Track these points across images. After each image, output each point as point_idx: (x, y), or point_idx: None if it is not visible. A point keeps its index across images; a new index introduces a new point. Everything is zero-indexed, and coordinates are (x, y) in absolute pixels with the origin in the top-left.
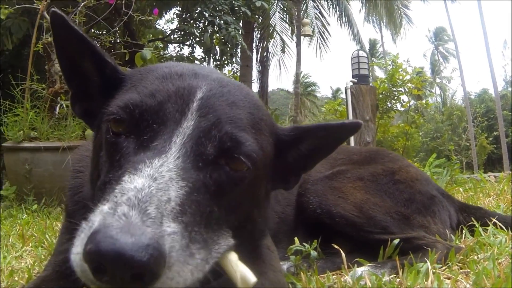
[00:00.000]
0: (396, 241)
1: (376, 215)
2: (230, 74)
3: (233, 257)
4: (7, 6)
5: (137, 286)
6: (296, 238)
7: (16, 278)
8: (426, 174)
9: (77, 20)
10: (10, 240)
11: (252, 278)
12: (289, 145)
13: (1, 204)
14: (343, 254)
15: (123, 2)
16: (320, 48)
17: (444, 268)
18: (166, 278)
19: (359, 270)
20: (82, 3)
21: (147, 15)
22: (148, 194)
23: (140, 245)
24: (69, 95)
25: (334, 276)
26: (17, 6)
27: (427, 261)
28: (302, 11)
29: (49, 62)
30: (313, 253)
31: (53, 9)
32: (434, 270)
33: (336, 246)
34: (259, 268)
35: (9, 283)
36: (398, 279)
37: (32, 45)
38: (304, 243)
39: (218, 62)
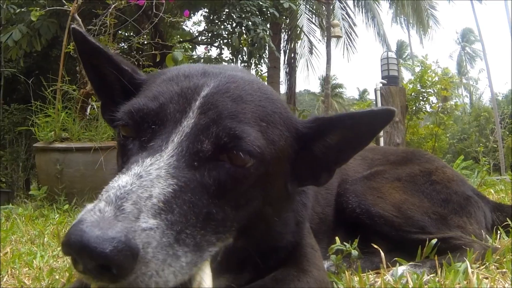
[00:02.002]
0: (434, 241)
1: (414, 215)
2: (257, 75)
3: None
4: (38, 9)
5: (107, 278)
6: (337, 238)
7: (57, 277)
8: (461, 175)
9: (108, 22)
10: (45, 239)
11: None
12: (313, 137)
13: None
14: (382, 253)
15: (153, 3)
16: (347, 49)
17: (481, 268)
18: (141, 274)
19: (400, 269)
20: (113, 5)
21: (177, 16)
22: (128, 191)
23: (104, 238)
24: None
25: (373, 275)
26: (48, 9)
27: (466, 260)
28: (326, 11)
29: (80, 64)
30: (354, 253)
31: (72, 25)
32: (472, 270)
33: (375, 246)
34: (303, 266)
35: (49, 282)
36: (437, 279)
37: (63, 46)
38: (344, 243)
39: (246, 64)
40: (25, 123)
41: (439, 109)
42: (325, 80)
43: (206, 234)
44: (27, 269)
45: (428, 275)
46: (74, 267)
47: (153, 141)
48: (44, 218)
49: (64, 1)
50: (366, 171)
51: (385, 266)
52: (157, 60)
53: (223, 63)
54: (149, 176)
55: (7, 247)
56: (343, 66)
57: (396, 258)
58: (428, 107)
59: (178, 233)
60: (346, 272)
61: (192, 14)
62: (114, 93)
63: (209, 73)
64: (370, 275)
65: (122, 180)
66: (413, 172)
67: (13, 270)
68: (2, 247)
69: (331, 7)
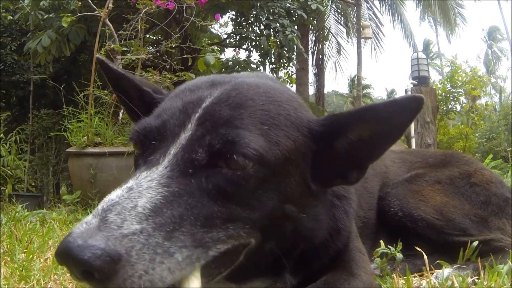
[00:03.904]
0: (476, 243)
1: (455, 218)
2: (286, 77)
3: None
4: (69, 15)
5: (95, 282)
6: (382, 241)
7: None
8: (499, 177)
9: (139, 27)
10: None
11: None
12: (331, 134)
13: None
14: (425, 256)
15: (184, 7)
16: (374, 49)
17: None
18: (128, 276)
19: (446, 272)
20: (144, 10)
21: (209, 20)
22: (114, 203)
23: (84, 246)
24: None
25: (416, 278)
26: (79, 14)
27: (509, 262)
28: (356, 12)
29: None
30: (399, 256)
31: (97, 55)
32: None
33: (418, 249)
34: (353, 270)
35: None
36: (479, 281)
37: (94, 52)
38: (388, 246)
39: (274, 66)
40: (54, 128)
41: (470, 109)
42: (357, 82)
43: (211, 231)
44: (69, 274)
45: (471, 278)
46: (71, 276)
47: (152, 155)
48: (77, 223)
49: (94, 7)
50: (406, 174)
51: (428, 268)
52: (189, 64)
53: (252, 65)
54: (139, 188)
55: (47, 252)
56: (371, 66)
57: (439, 261)
58: (458, 107)
59: (170, 232)
60: (391, 275)
61: (220, 17)
62: (141, 113)
63: (217, 83)
64: (413, 278)
65: (113, 194)
66: (452, 174)
67: (55, 277)
68: (40, 252)
69: (360, 9)
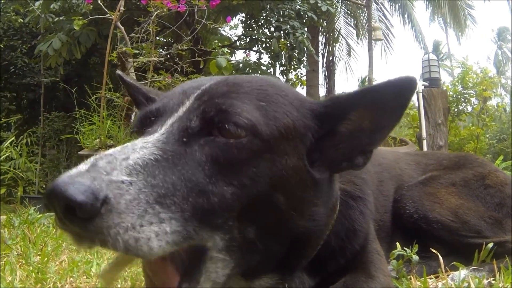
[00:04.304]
0: (490, 244)
1: (470, 220)
2: (296, 79)
3: None
4: (80, 18)
5: (76, 224)
6: (398, 243)
7: (119, 286)
8: None
9: (150, 29)
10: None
11: None
12: (333, 117)
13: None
14: (441, 258)
15: (196, 10)
16: (385, 50)
17: None
18: (114, 224)
19: (462, 273)
20: (155, 13)
21: (220, 22)
22: (107, 155)
23: (69, 182)
24: None
25: (432, 280)
26: (90, 17)
27: None
28: (367, 14)
29: (123, 71)
30: (415, 258)
31: (117, 71)
32: None
33: (434, 251)
34: (371, 272)
35: None
36: (495, 282)
37: (106, 55)
38: (405, 248)
39: (284, 68)
40: (65, 131)
41: (481, 110)
42: (368, 83)
43: (201, 219)
44: (85, 277)
45: (487, 279)
46: (58, 226)
47: (150, 128)
48: None
49: (105, 9)
50: (421, 176)
51: (443, 270)
52: (201, 66)
53: (262, 67)
54: (134, 146)
55: (63, 255)
56: (381, 67)
57: (454, 263)
58: (469, 108)
59: (162, 197)
60: (407, 276)
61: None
62: None
63: (216, 77)
64: (429, 280)
65: (110, 151)
66: (466, 176)
67: (71, 279)
68: (55, 254)
69: (371, 10)
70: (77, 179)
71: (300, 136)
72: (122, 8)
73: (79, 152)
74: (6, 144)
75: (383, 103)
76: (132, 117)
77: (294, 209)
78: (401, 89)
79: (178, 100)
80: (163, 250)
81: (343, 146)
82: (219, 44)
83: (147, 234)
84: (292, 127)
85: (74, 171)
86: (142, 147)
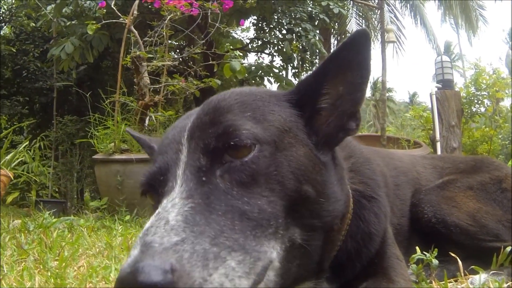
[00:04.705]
0: (509, 248)
1: (488, 224)
2: None
3: None
4: (94, 22)
5: None
6: (417, 248)
7: None
8: None
9: (164, 33)
10: (116, 251)
11: None
12: (309, 98)
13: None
14: (460, 262)
15: (208, 13)
16: (396, 52)
17: None
18: (183, 283)
19: (482, 277)
20: (168, 17)
21: (233, 26)
22: (147, 228)
23: (134, 271)
24: (157, 107)
25: (451, 284)
26: (104, 22)
27: None
28: (380, 16)
29: (137, 75)
30: (435, 262)
31: (126, 129)
32: None
33: (453, 255)
34: (391, 276)
35: None
36: None
37: (120, 58)
38: (424, 252)
39: (296, 70)
40: (78, 134)
41: (494, 112)
42: (381, 86)
43: (254, 237)
44: (104, 283)
45: (506, 283)
46: None
47: (165, 187)
48: (105, 229)
49: (118, 14)
50: (438, 180)
51: (462, 274)
52: (215, 70)
53: (274, 70)
54: (165, 209)
55: (79, 260)
56: (392, 69)
57: (473, 266)
58: (482, 109)
59: (213, 238)
60: (426, 280)
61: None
62: None
63: (192, 112)
64: (448, 284)
65: (147, 224)
66: (484, 180)
67: (90, 285)
68: (72, 259)
69: (384, 12)
70: (138, 264)
71: (294, 126)
72: (135, 12)
73: (94, 156)
74: (20, 149)
75: (347, 64)
76: (147, 122)
77: (321, 195)
78: (357, 44)
79: (174, 150)
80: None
81: (332, 119)
82: (231, 47)
83: (218, 280)
84: (283, 121)
85: (129, 259)
86: (173, 206)
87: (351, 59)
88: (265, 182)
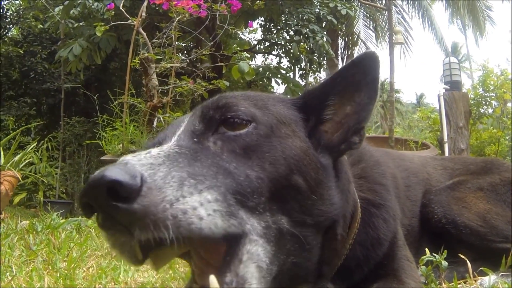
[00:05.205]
0: None
1: (498, 225)
2: (315, 82)
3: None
4: (102, 24)
5: (119, 209)
6: (427, 249)
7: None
8: None
9: (172, 35)
10: None
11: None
12: (313, 107)
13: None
14: (469, 263)
15: (217, 16)
16: (404, 53)
17: None
18: (158, 200)
19: (492, 279)
20: (177, 18)
21: (241, 27)
22: (147, 152)
23: (103, 173)
24: (165, 109)
25: (460, 285)
26: (112, 23)
27: None
28: (388, 18)
29: (146, 77)
30: (445, 263)
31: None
32: None
33: (462, 256)
34: (402, 278)
35: None
36: None
37: (128, 60)
38: (433, 253)
39: (304, 71)
40: (86, 136)
41: (502, 113)
42: (390, 87)
43: (234, 198)
44: (113, 283)
45: None
46: (102, 228)
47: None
48: None
49: (127, 15)
50: (448, 181)
51: (471, 276)
52: (223, 71)
53: (282, 71)
54: (151, 149)
55: (88, 261)
56: (400, 70)
57: (482, 268)
58: (490, 111)
59: (192, 174)
60: (436, 282)
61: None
62: None
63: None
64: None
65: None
66: (494, 181)
67: (100, 286)
68: (81, 260)
69: (392, 14)
70: (110, 167)
71: (293, 122)
72: (144, 14)
73: (102, 158)
74: (28, 150)
75: (356, 85)
76: (155, 123)
77: (314, 192)
78: (366, 67)
79: (175, 126)
80: (214, 224)
81: (336, 131)
82: (238, 48)
83: (191, 204)
84: (284, 115)
85: (104, 167)
86: (159, 149)
87: (359, 79)
88: (257, 158)
